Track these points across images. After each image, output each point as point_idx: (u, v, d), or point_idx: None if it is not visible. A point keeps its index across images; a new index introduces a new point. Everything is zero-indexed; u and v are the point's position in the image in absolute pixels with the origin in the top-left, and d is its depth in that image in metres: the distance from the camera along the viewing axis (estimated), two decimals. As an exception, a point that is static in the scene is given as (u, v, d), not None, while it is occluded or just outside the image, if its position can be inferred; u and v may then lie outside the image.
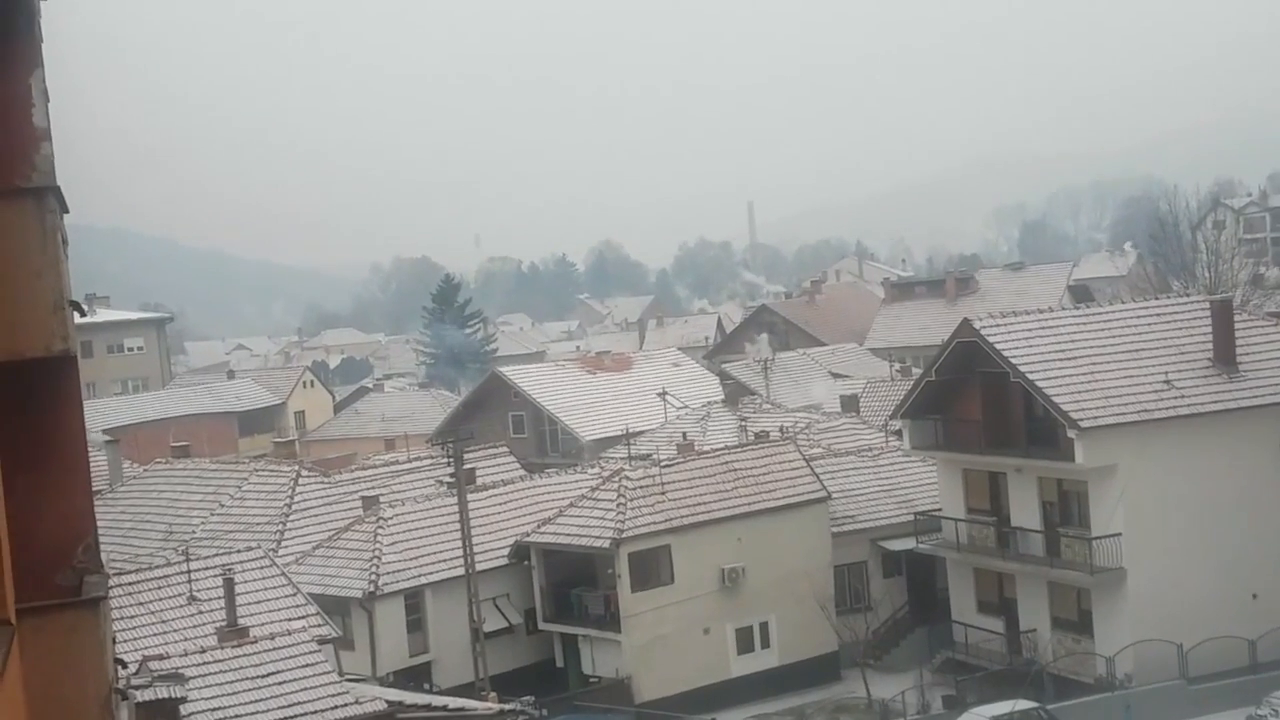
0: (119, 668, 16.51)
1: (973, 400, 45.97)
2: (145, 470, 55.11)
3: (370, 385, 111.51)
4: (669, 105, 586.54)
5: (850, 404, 66.75)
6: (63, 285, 11.48)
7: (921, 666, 45.62)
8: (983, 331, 44.51)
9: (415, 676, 43.18)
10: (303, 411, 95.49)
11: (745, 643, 46.64)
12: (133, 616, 31.26)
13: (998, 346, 43.83)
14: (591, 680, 45.29)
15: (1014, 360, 43.34)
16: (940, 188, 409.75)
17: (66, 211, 12.99)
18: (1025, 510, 44.85)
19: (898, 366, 77.42)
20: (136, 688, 25.07)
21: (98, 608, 12.08)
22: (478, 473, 50.53)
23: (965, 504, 47.07)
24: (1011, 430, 45.09)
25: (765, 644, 46.92)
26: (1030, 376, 42.88)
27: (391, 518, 46.27)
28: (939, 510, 48.26)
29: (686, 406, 70.90)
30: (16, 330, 11.15)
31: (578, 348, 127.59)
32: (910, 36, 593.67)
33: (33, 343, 11.25)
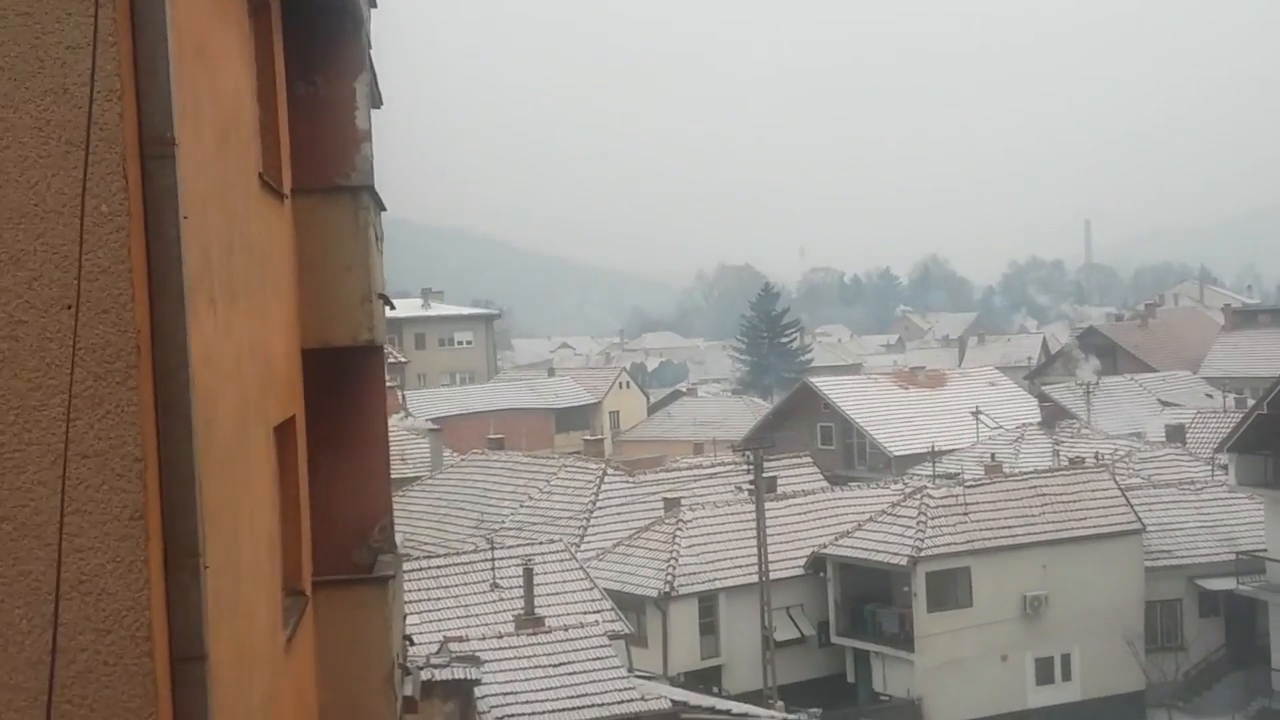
0: (407, 644, 17.41)
1: (1309, 437, 43.11)
2: (463, 460, 57.59)
3: (685, 389, 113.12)
4: (1012, 123, 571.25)
5: (1176, 434, 63.52)
6: (372, 279, 12.18)
7: (1234, 713, 43.17)
8: (1323, 364, 41.66)
9: (705, 679, 43.63)
10: (617, 411, 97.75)
11: (1045, 673, 45.13)
12: (437, 599, 32.81)
13: (1339, 381, 40.94)
14: (882, 698, 44.74)
15: (1356, 397, 40.41)
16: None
17: (384, 209, 13.81)
18: (1362, 558, 41.71)
19: (1233, 398, 73.16)
20: (435, 666, 26.35)
21: (387, 586, 12.77)
22: (779, 481, 50.64)
23: (1294, 546, 44.15)
24: (1350, 471, 42.04)
25: (1066, 676, 45.27)
26: None
27: (691, 520, 46.92)
28: (1264, 551, 45.42)
29: (1001, 427, 69.05)
30: (326, 320, 11.87)
31: (894, 362, 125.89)
32: (1271, 54, 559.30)
33: (341, 332, 11.97)
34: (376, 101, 14.68)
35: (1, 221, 5.37)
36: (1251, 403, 56.06)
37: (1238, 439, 45.32)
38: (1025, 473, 50.49)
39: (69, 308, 5.40)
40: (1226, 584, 46.06)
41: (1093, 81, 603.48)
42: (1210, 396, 79.20)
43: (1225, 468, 48.09)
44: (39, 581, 5.42)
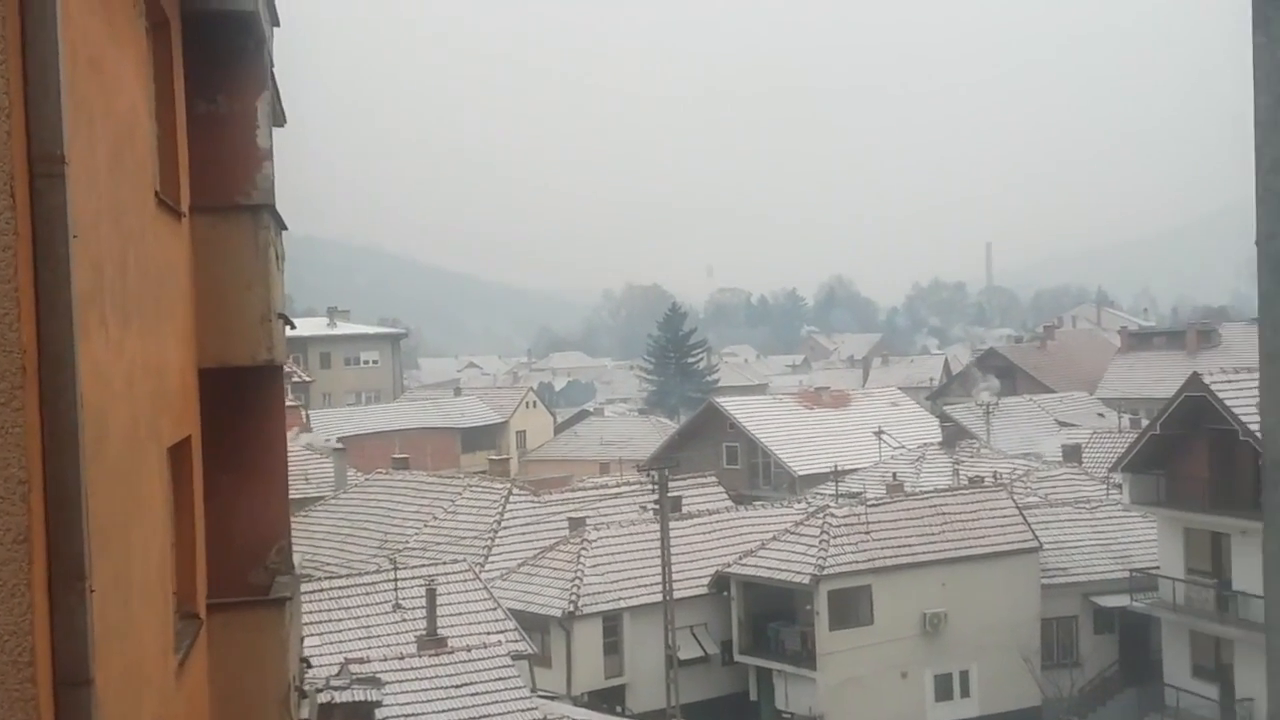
0: (304, 666, 17.24)
1: (1200, 457, 44.14)
2: (367, 479, 57.12)
3: (591, 409, 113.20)
4: (912, 147, 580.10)
5: (1073, 454, 64.78)
6: (272, 298, 12.08)
7: (1129, 730, 43.94)
8: (1213, 386, 42.73)
9: (609, 698, 43.64)
10: (524, 431, 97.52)
11: (944, 690, 45.70)
12: (339, 620, 32.51)
13: (1227, 403, 41.99)
14: (784, 716, 45.01)
15: (1244, 419, 41.44)
16: (1190, 235, 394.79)
17: (285, 228, 13.71)
18: (1249, 574, 42.71)
19: (1128, 418, 74.77)
20: (335, 688, 26.09)
21: (284, 607, 12.65)
22: (684, 501, 50.83)
23: (1185, 563, 45.17)
24: (1239, 490, 43.06)
25: (965, 693, 45.88)
26: (1262, 436, 40.91)
27: (596, 540, 46.93)
28: (1157, 568, 46.44)
29: (903, 447, 69.91)
30: (225, 339, 11.77)
31: (800, 382, 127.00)
32: (1165, 79, 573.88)
33: (240, 351, 11.86)
34: (279, 120, 14.60)
35: (-117, 239, 5.29)
36: (1145, 423, 57.34)
37: (1131, 459, 46.27)
38: (926, 492, 51.15)
39: (-48, 327, 5.32)
40: (1120, 601, 46.96)
41: (993, 115, 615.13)
42: (1103, 416, 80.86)
43: (1120, 487, 49.03)
44: (-83, 608, 5.33)
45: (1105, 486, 53.99)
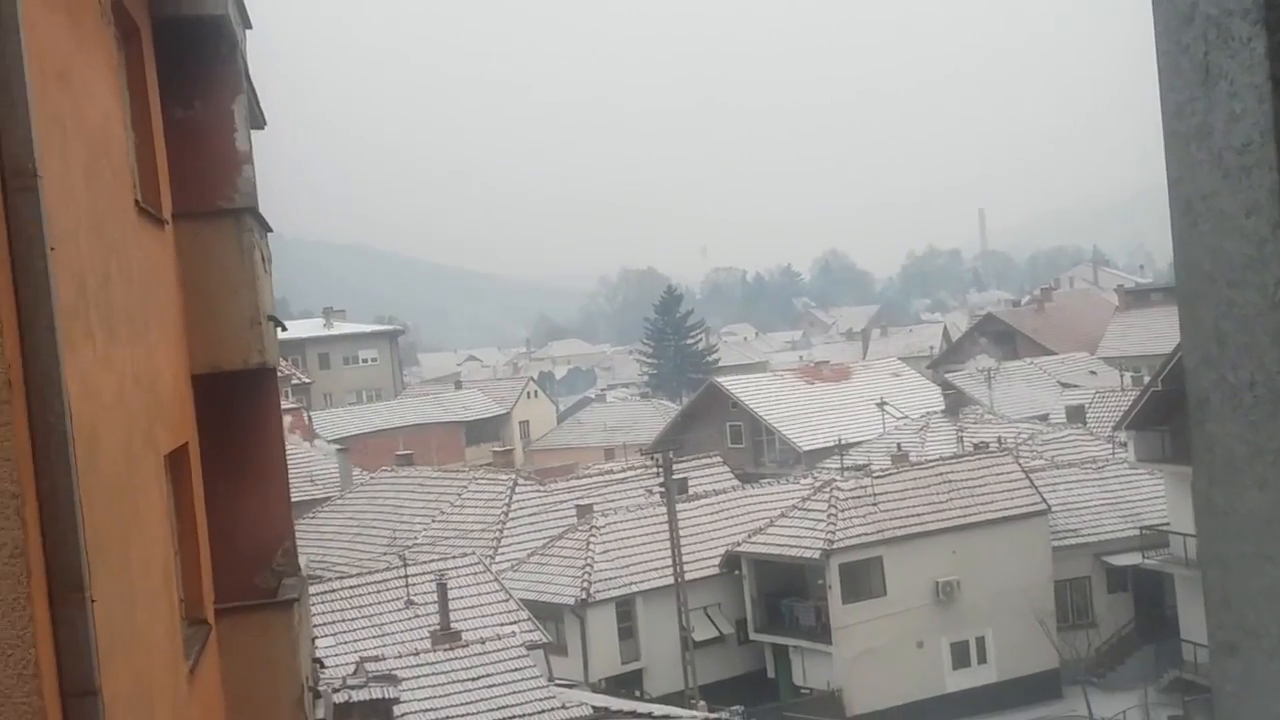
0: (318, 667, 17.28)
1: (1202, 411, 44.13)
2: (372, 478, 57.19)
3: (593, 395, 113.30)
4: (896, 109, 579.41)
5: (1076, 414, 64.80)
6: (260, 301, 12.08)
7: (1147, 685, 43.98)
8: (1211, 339, 42.67)
9: (626, 683, 43.70)
10: (527, 421, 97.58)
11: (961, 657, 45.78)
12: (351, 620, 32.56)
13: (1227, 355, 41.97)
14: (803, 692, 45.10)
15: (1244, 369, 41.46)
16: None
17: (269, 230, 13.70)
18: (1258, 526, 42.85)
19: (1130, 376, 74.78)
20: (352, 688, 26.15)
21: (292, 609, 12.66)
22: (690, 482, 50.86)
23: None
24: (1243, 442, 43.12)
25: (982, 659, 45.95)
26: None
27: (604, 526, 46.99)
28: (1167, 525, 46.43)
29: (906, 416, 69.95)
30: (216, 344, 11.77)
31: (800, 358, 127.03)
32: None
33: (231, 356, 11.87)
34: (259, 122, 14.56)
35: None
36: (1147, 380, 57.33)
37: (1135, 416, 46.22)
38: (931, 460, 51.15)
39: (-67, 347, 5.32)
40: (1133, 559, 46.98)
41: (983, 75, 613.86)
42: (1094, 374, 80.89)
43: (1125, 445, 49.03)
44: (-82, 625, 5.34)
45: (1111, 445, 54.00)
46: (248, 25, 12.92)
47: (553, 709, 29.37)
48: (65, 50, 6.91)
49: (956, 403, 68.89)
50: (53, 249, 5.77)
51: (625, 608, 45.36)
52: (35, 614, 5.52)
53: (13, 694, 5.46)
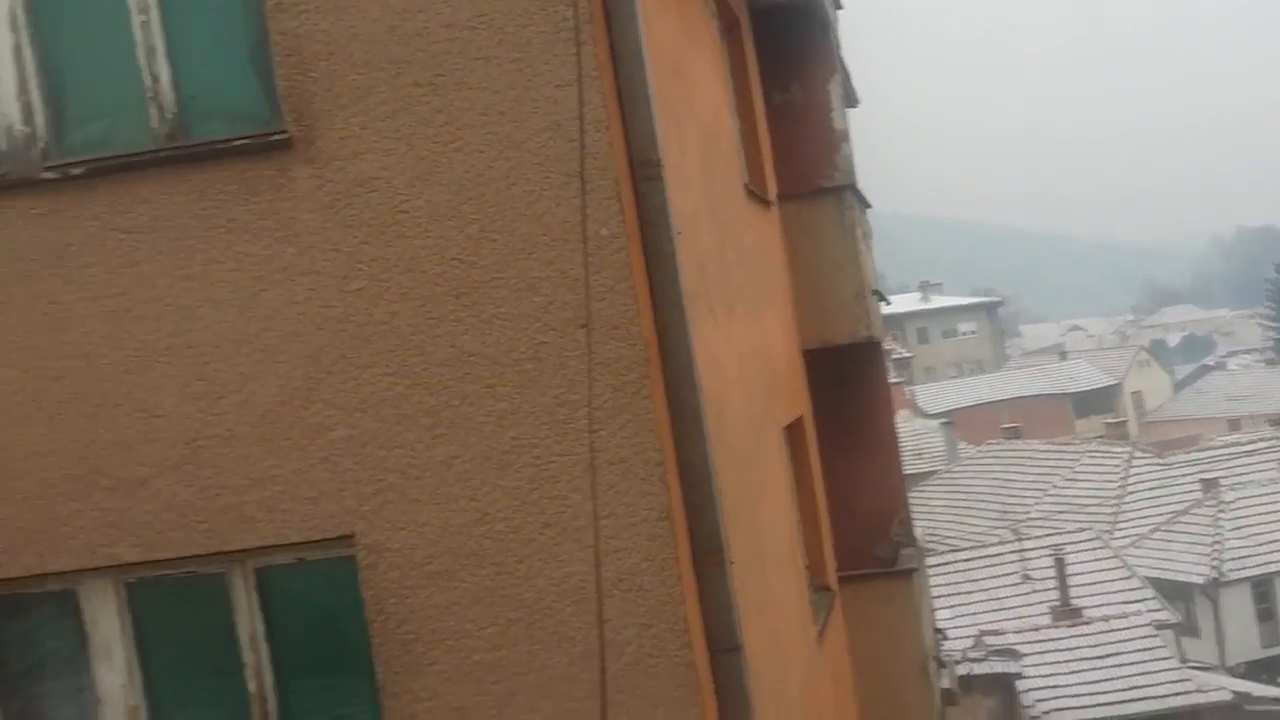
0: (939, 637, 17.31)
1: None
2: (978, 451, 56.53)
3: (1212, 363, 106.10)
4: None
5: None
6: (863, 276, 12.28)
7: None
8: None
9: (1268, 669, 40.56)
10: (1139, 392, 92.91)
11: None
12: (967, 592, 32.37)
13: None
14: None
15: None
16: None
17: (868, 206, 13.91)
18: None
19: None
20: (972, 660, 26.06)
21: (911, 579, 12.78)
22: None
23: None
24: None
25: None
26: None
27: (1234, 501, 43.90)
28: None
29: None
30: (823, 319, 12.07)
31: None
32: None
33: (838, 330, 12.13)
34: (852, 101, 14.79)
35: (516, 252, 5.85)
36: None
37: None
38: None
39: (583, 326, 5.79)
40: None
41: None
42: None
43: None
44: (583, 582, 5.83)
45: None
46: (839, 5, 13.15)
47: (1188, 691, 27.80)
48: (677, 45, 7.31)
49: None
50: (679, 233, 6.13)
51: (1262, 588, 42.07)
52: (682, 574, 5.88)
53: (666, 649, 5.83)
